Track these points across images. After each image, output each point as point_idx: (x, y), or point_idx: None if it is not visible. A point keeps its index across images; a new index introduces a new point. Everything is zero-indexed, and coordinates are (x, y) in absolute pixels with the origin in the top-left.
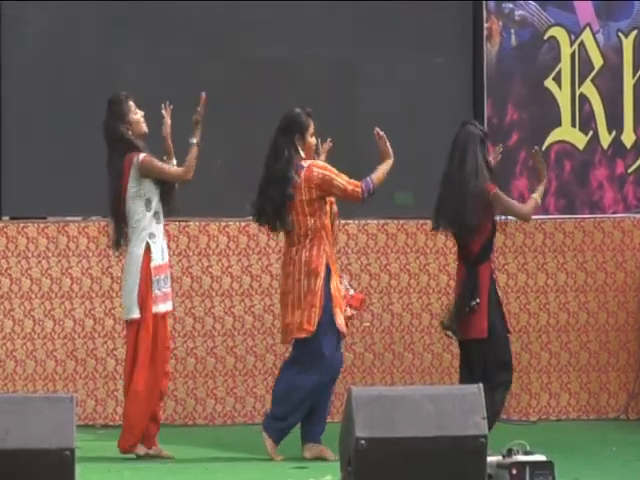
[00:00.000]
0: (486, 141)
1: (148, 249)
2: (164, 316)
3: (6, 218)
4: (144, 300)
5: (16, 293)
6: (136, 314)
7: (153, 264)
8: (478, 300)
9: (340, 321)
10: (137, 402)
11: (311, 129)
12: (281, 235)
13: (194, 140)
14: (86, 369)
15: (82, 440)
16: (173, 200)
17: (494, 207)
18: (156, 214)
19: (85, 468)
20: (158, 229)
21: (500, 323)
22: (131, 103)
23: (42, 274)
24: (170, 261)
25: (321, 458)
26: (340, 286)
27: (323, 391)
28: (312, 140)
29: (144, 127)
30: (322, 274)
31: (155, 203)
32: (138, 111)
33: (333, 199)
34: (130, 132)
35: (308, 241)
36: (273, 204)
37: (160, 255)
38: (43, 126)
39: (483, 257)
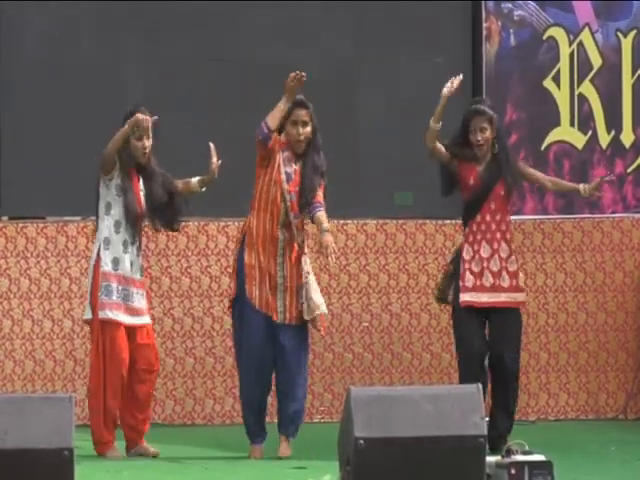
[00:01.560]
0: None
1: (99, 253)
2: (118, 325)
3: (5, 218)
4: (94, 302)
5: (15, 293)
6: (88, 314)
7: (102, 270)
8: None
9: (251, 294)
10: (89, 403)
11: (292, 117)
12: None
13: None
14: (85, 369)
15: (81, 440)
16: (161, 216)
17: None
18: (117, 223)
19: (84, 468)
20: (116, 238)
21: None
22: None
23: (41, 274)
24: (168, 262)
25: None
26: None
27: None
28: (291, 130)
29: (141, 158)
30: (238, 243)
31: (116, 211)
32: (144, 140)
33: (278, 175)
34: (128, 151)
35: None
36: None
37: (110, 264)
38: (42, 126)
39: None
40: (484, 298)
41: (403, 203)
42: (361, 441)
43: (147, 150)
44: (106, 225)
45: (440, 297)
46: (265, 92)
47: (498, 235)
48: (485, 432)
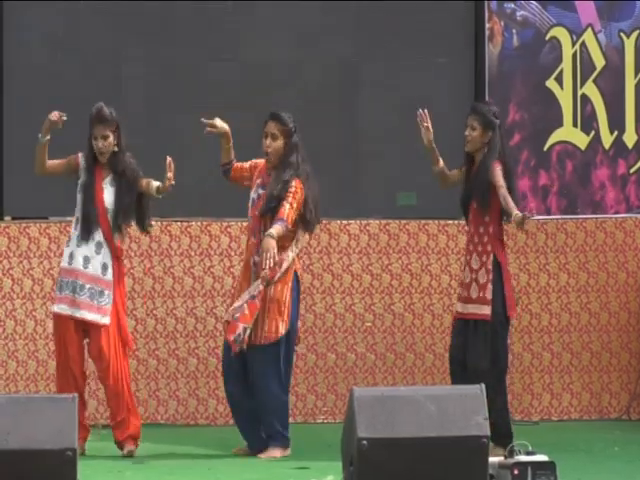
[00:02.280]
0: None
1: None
2: (64, 318)
3: (8, 218)
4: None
5: (18, 294)
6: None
7: (60, 266)
8: None
9: None
10: None
11: (264, 129)
12: None
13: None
14: (87, 369)
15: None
16: (126, 215)
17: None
18: (76, 220)
19: (87, 468)
20: (74, 234)
21: None
22: (98, 128)
23: (44, 274)
24: (171, 262)
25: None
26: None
27: None
28: (263, 141)
29: (100, 157)
30: None
31: (77, 208)
32: (99, 140)
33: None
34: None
35: None
36: None
37: (67, 259)
38: None
39: None
40: (459, 309)
41: (406, 203)
42: (364, 441)
43: (103, 150)
44: (73, 222)
45: None
46: (267, 93)
47: (471, 247)
48: (488, 433)
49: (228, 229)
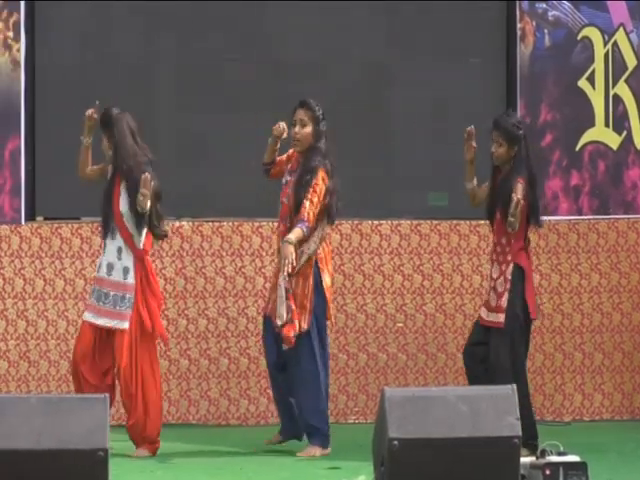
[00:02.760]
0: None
1: None
2: (86, 323)
3: (40, 219)
4: None
5: (50, 294)
6: None
7: (94, 275)
8: None
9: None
10: None
11: (293, 116)
12: None
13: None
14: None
15: (115, 440)
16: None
17: None
18: (113, 230)
19: (118, 468)
20: (104, 244)
21: None
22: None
23: (76, 275)
24: (202, 262)
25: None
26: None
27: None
28: (292, 129)
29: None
30: None
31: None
32: (104, 142)
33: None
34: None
35: None
36: None
37: (104, 269)
38: (77, 126)
39: None
40: (482, 313)
41: (437, 203)
42: (395, 442)
43: (107, 152)
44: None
45: None
46: (297, 93)
47: (493, 256)
48: (520, 433)
49: (259, 229)
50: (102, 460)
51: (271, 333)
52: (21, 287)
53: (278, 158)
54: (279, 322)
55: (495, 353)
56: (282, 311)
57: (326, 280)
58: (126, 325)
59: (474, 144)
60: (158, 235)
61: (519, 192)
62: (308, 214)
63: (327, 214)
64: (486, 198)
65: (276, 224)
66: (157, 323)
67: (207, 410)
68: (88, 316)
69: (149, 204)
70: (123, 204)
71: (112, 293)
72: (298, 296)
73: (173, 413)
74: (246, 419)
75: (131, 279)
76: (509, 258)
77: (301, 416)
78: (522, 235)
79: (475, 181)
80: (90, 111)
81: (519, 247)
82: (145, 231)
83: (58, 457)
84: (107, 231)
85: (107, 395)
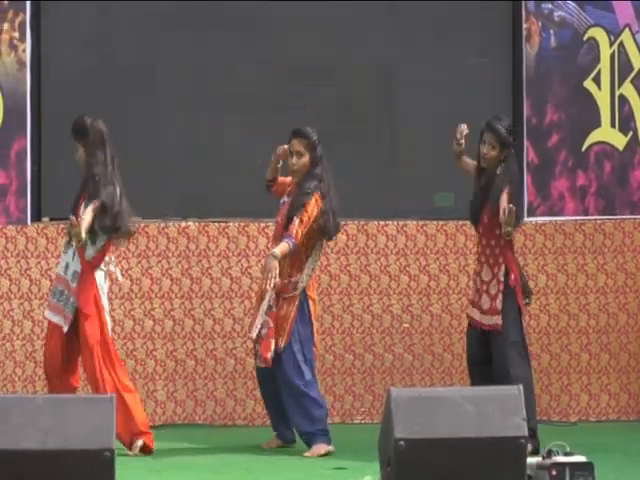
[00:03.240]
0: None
1: None
2: (54, 325)
3: (46, 219)
4: None
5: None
6: None
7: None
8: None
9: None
10: None
11: (290, 147)
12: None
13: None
14: (126, 370)
15: None
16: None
17: None
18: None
19: (125, 468)
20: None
21: None
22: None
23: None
24: (209, 263)
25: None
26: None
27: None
28: (289, 160)
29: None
30: None
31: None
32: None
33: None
34: None
35: None
36: None
37: (62, 267)
38: None
39: None
40: (471, 313)
41: (444, 204)
42: (402, 442)
43: (81, 161)
44: None
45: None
46: (306, 93)
47: (483, 258)
48: (526, 433)
49: (266, 230)
50: (108, 460)
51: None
52: (27, 287)
53: (280, 178)
54: (252, 334)
55: (501, 356)
56: (257, 323)
57: (312, 308)
58: (65, 326)
59: (462, 144)
60: (123, 237)
61: (505, 202)
62: (296, 231)
63: (322, 233)
64: (471, 202)
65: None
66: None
67: (213, 410)
68: (52, 317)
69: (84, 235)
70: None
71: (65, 292)
72: (279, 318)
73: (179, 413)
74: (252, 419)
75: (75, 285)
76: (500, 260)
77: (296, 428)
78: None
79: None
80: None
81: (508, 247)
82: (101, 244)
83: (64, 457)
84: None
85: (113, 395)
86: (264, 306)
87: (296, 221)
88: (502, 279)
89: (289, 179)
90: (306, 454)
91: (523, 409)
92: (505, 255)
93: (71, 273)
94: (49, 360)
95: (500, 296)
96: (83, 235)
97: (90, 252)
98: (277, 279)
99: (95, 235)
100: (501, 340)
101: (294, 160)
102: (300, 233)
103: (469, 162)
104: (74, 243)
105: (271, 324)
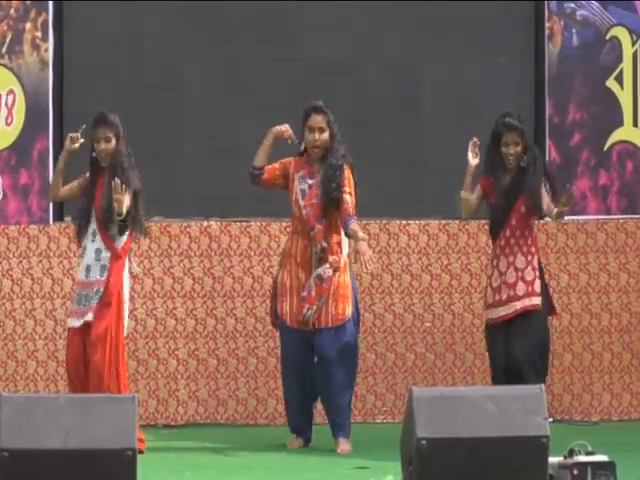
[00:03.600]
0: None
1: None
2: (74, 332)
3: (68, 219)
4: None
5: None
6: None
7: (76, 279)
8: None
9: (282, 311)
10: None
11: (309, 122)
12: None
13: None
14: (148, 369)
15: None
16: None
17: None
18: (93, 232)
19: (146, 468)
20: (83, 246)
21: None
22: (99, 130)
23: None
24: (231, 262)
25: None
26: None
27: (287, 382)
28: (308, 136)
29: (102, 160)
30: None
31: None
32: (101, 143)
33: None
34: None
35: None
36: None
37: (83, 272)
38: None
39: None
40: (501, 312)
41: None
42: (423, 441)
43: (103, 153)
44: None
45: None
46: (326, 92)
47: (516, 249)
48: (548, 432)
49: (288, 229)
50: (130, 460)
51: (301, 341)
52: (49, 287)
53: (268, 166)
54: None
55: (539, 332)
56: (306, 287)
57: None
58: (90, 315)
59: (476, 156)
60: (139, 232)
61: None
62: (354, 207)
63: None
64: (498, 196)
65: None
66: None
67: (235, 410)
68: (73, 322)
69: (125, 208)
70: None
71: (89, 292)
72: (340, 286)
73: (201, 413)
74: (274, 418)
75: (105, 276)
76: (533, 250)
77: (330, 406)
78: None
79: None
80: (75, 135)
81: (537, 239)
82: (125, 238)
83: (86, 457)
84: (85, 233)
85: (135, 395)
86: (320, 274)
87: (348, 198)
88: (536, 266)
89: (279, 164)
90: (340, 451)
91: (545, 408)
92: (536, 247)
93: (99, 269)
94: (72, 368)
95: (537, 281)
96: (124, 209)
97: (119, 244)
98: (373, 260)
99: (124, 226)
100: (538, 318)
101: (317, 136)
102: (355, 207)
103: (473, 196)
104: (110, 223)
105: (313, 292)
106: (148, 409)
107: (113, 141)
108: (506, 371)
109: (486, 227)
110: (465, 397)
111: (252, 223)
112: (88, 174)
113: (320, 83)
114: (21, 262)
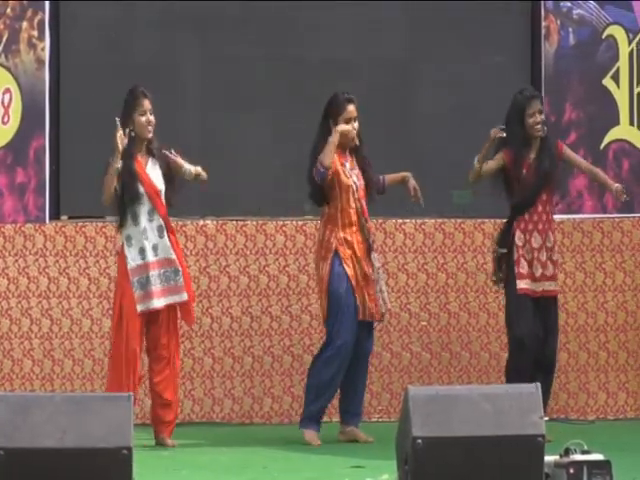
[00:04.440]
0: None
1: (123, 252)
2: (151, 313)
3: (64, 218)
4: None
5: (74, 292)
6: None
7: (129, 267)
8: (504, 250)
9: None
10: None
11: (346, 114)
12: None
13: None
14: (143, 368)
15: (140, 439)
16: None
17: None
18: (134, 216)
19: (142, 466)
20: (140, 227)
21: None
22: (145, 102)
23: (100, 273)
24: (226, 261)
25: (355, 441)
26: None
27: (337, 372)
28: (345, 126)
29: (147, 132)
30: (329, 259)
31: (134, 205)
32: (147, 114)
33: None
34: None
35: (323, 226)
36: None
37: (138, 256)
38: (101, 125)
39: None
40: (538, 288)
41: (462, 202)
42: (419, 440)
43: (151, 125)
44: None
45: (498, 281)
46: (323, 91)
47: (546, 226)
48: (544, 431)
49: (283, 228)
50: (126, 458)
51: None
52: (45, 286)
53: None
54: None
55: (555, 320)
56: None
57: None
58: (186, 297)
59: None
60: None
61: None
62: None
63: None
64: (527, 173)
65: (300, 223)
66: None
67: (231, 409)
68: (159, 302)
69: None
70: (159, 182)
71: (165, 270)
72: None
73: (197, 412)
74: (270, 417)
75: (174, 254)
76: (554, 226)
77: (358, 399)
78: None
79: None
80: (120, 133)
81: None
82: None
83: (82, 455)
84: (138, 213)
85: (131, 394)
86: (378, 264)
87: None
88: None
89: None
90: (369, 440)
91: (541, 407)
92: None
93: (166, 248)
94: (135, 352)
95: (558, 263)
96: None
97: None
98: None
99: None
100: (555, 305)
101: (356, 125)
102: None
103: (491, 165)
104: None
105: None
106: (144, 408)
107: (149, 117)
108: (536, 360)
109: (482, 226)
110: (461, 396)
111: (248, 222)
112: (120, 158)
113: (316, 82)
114: (17, 261)
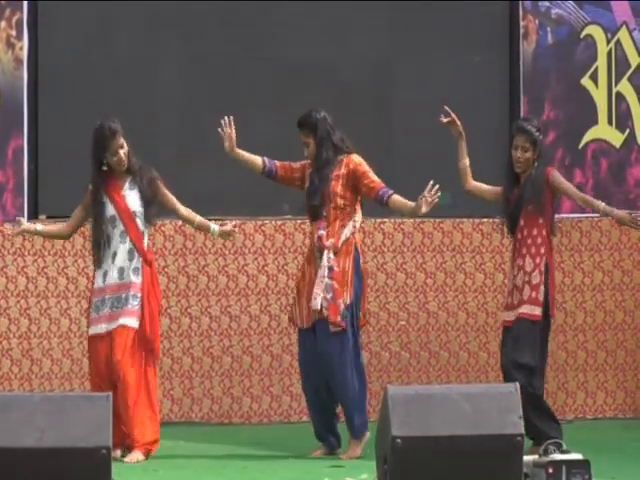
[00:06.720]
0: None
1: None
2: (102, 337)
3: (42, 217)
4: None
5: (52, 292)
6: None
7: (94, 286)
8: None
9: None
10: None
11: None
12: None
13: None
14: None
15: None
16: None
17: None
18: (108, 238)
19: (121, 466)
20: (109, 251)
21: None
22: (114, 141)
23: (78, 273)
24: (205, 260)
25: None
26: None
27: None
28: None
29: (121, 167)
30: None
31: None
32: (119, 153)
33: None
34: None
35: None
36: None
37: (101, 278)
38: (80, 125)
39: None
40: (511, 316)
41: (440, 202)
42: (398, 440)
43: (124, 160)
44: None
45: None
46: (301, 91)
47: (524, 250)
48: (523, 431)
49: (262, 227)
50: (104, 458)
51: (310, 351)
52: (24, 285)
53: (280, 163)
54: (316, 305)
55: (524, 345)
56: (318, 290)
57: (361, 259)
58: (136, 324)
59: (453, 119)
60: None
61: (567, 183)
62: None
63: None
64: (507, 199)
65: (279, 222)
66: (155, 326)
67: (210, 408)
68: (101, 327)
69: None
70: (134, 204)
71: (124, 294)
72: (343, 273)
73: (176, 411)
74: (249, 417)
75: (140, 278)
76: (542, 251)
77: (354, 413)
78: (551, 225)
79: (467, 160)
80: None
81: (548, 238)
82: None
83: (61, 455)
84: (112, 236)
85: (110, 394)
86: (324, 271)
87: (376, 179)
88: (543, 270)
89: (298, 165)
90: (344, 457)
91: (520, 407)
92: (546, 247)
93: (131, 271)
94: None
95: (542, 288)
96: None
97: (146, 240)
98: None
99: (149, 222)
100: (530, 329)
101: (306, 152)
102: None
103: (484, 188)
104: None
105: (336, 286)
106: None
107: (125, 144)
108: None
109: (461, 226)
110: (440, 395)
111: (227, 222)
112: (91, 188)
113: (293, 82)
114: None
